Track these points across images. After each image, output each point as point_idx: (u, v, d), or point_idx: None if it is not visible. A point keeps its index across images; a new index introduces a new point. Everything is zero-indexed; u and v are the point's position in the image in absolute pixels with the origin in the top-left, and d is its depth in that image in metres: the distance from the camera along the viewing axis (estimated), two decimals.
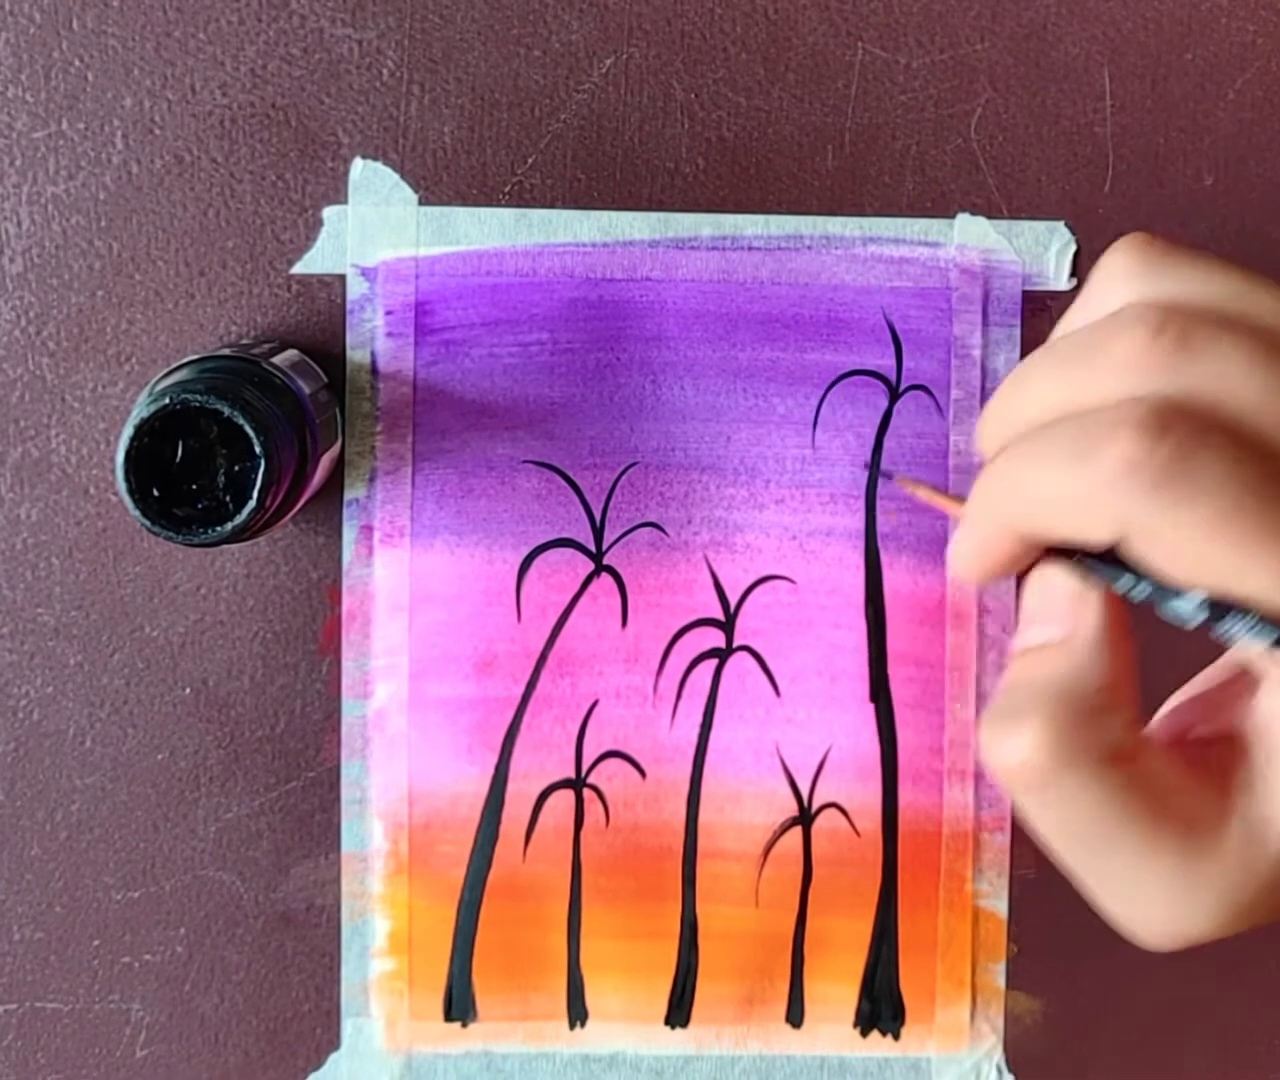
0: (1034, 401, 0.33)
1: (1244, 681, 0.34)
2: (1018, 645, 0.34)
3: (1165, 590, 0.31)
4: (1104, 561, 0.32)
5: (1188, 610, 0.31)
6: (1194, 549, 0.30)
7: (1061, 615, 0.33)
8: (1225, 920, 0.32)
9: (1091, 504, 0.31)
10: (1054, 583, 0.33)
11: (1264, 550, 0.30)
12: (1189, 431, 0.30)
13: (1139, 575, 0.31)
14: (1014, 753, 0.32)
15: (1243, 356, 0.31)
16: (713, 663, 0.51)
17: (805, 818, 0.51)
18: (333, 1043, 0.51)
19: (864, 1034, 0.51)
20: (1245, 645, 0.31)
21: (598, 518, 0.50)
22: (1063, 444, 0.31)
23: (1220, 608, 0.30)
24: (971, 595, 0.51)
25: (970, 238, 0.50)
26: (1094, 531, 0.31)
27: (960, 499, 0.37)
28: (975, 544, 0.34)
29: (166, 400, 0.41)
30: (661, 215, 0.50)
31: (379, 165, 0.49)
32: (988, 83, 0.50)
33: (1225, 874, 0.32)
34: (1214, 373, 0.31)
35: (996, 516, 0.33)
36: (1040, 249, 0.50)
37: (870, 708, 0.51)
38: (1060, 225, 0.50)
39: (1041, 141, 0.50)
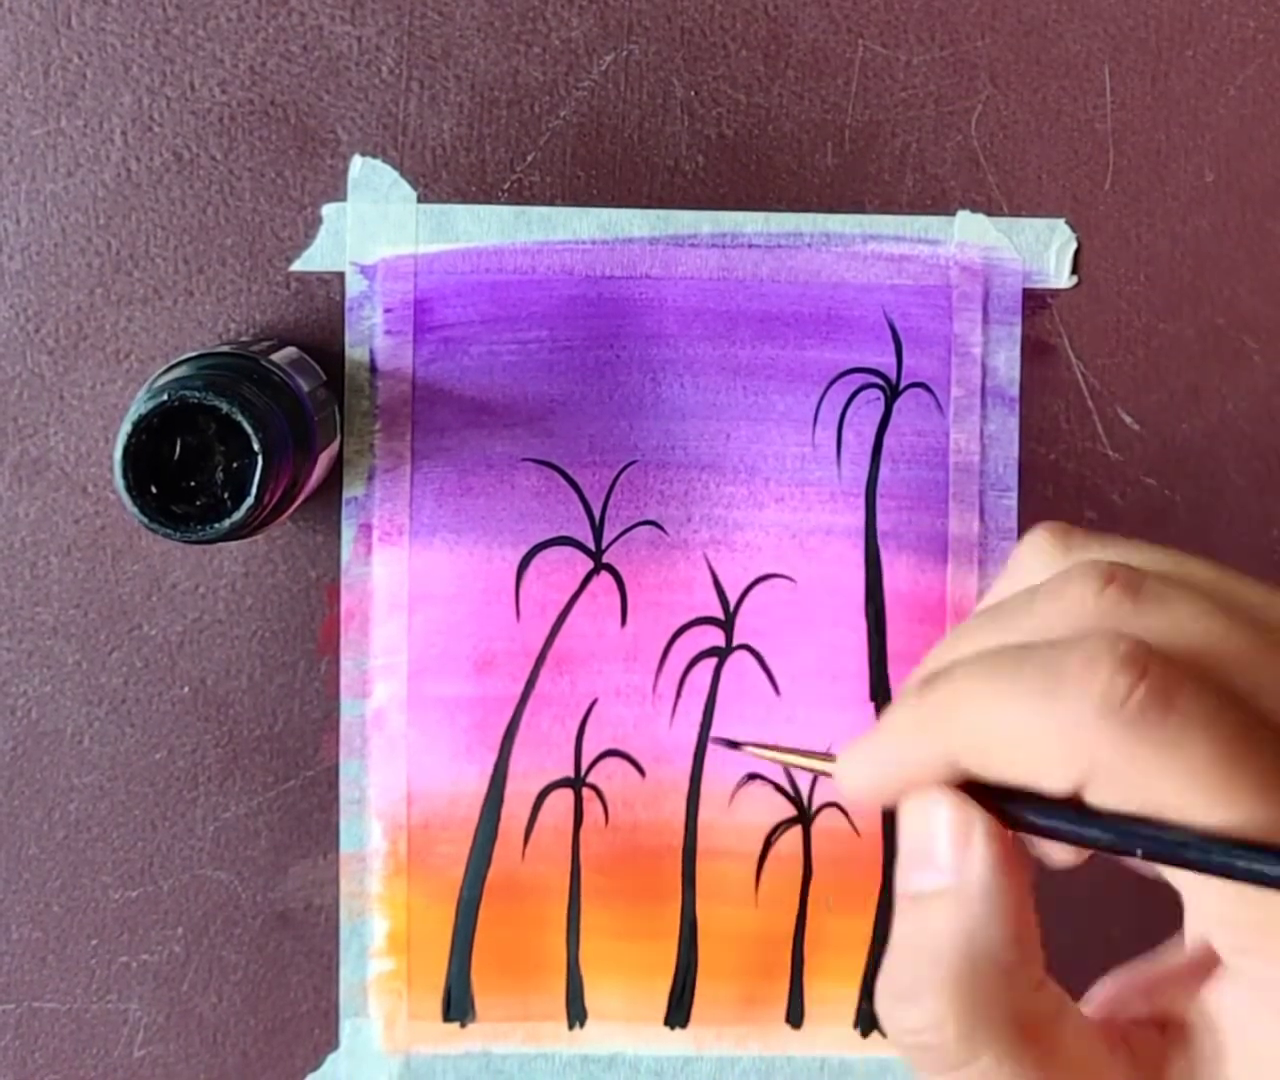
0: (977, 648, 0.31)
1: (1196, 969, 0.31)
2: (901, 889, 0.31)
3: (1123, 834, 0.28)
4: (1024, 798, 0.29)
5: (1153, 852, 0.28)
6: (1168, 791, 0.28)
7: (944, 856, 0.30)
8: None
9: (1060, 743, 0.28)
10: (934, 815, 0.30)
11: (1248, 793, 0.28)
12: (1168, 671, 0.28)
13: (1080, 816, 0.29)
14: (916, 1028, 0.29)
15: (1191, 605, 0.30)
16: (712, 661, 0.50)
17: (805, 817, 0.51)
18: (331, 1043, 0.51)
19: (864, 1034, 0.51)
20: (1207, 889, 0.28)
21: (597, 516, 0.50)
22: (1028, 676, 0.29)
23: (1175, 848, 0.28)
24: (972, 593, 0.50)
25: (971, 235, 0.50)
26: (1058, 772, 0.29)
27: (805, 753, 0.35)
28: (891, 768, 0.31)
29: (165, 397, 0.41)
30: (661, 212, 0.49)
31: (378, 162, 0.49)
32: (988, 79, 0.50)
33: None
34: (1167, 621, 0.29)
35: (934, 743, 0.30)
36: (1041, 246, 0.50)
37: (870, 707, 0.50)
38: (1061, 222, 0.50)
39: (1042, 138, 0.50)
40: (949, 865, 0.30)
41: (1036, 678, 0.28)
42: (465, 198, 0.49)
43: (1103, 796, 0.28)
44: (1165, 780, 0.28)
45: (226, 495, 0.42)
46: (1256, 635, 0.29)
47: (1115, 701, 0.28)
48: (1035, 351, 0.50)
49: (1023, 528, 0.50)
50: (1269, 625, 0.30)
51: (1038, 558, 0.32)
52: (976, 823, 0.30)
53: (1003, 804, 0.30)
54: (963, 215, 0.50)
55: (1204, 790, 0.27)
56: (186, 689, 0.50)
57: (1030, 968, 0.30)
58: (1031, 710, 0.28)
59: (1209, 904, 0.29)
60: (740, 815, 0.51)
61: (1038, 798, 0.29)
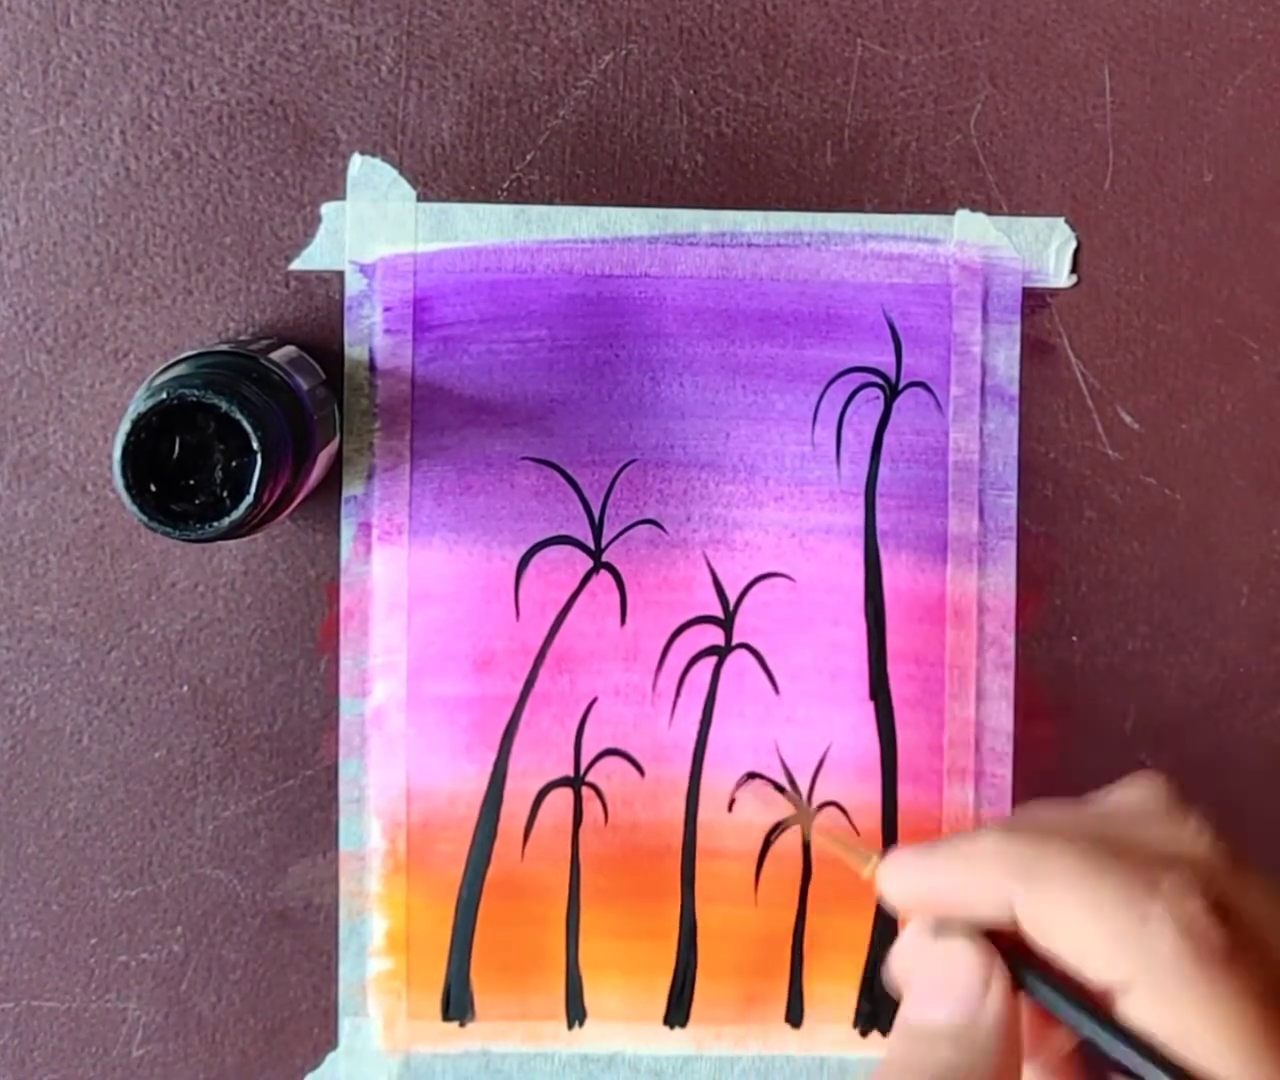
0: None
1: None
2: (906, 1016, 0.33)
3: (1122, 1046, 0.30)
4: (1039, 970, 0.32)
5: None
6: (1207, 1032, 0.30)
7: (961, 996, 0.32)
8: None
9: (1128, 946, 0.31)
10: (959, 955, 0.33)
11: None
12: (1242, 928, 0.31)
13: (1090, 1011, 0.31)
14: None
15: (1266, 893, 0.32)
16: (712, 660, 0.50)
17: (805, 816, 0.51)
18: (330, 1042, 0.51)
19: (864, 1034, 0.51)
20: None
21: (596, 515, 0.50)
22: (1124, 874, 0.31)
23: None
24: (972, 592, 0.50)
25: (970, 234, 0.50)
26: (1109, 968, 0.31)
27: (854, 848, 0.38)
28: (943, 890, 0.34)
29: (164, 396, 0.41)
30: (660, 212, 0.49)
31: (377, 161, 0.49)
32: (987, 79, 0.50)
33: None
34: (1249, 893, 0.32)
35: (1001, 889, 0.33)
36: (1040, 245, 0.50)
37: (869, 706, 0.50)
38: (1060, 222, 0.50)
39: (1041, 138, 0.50)
40: (963, 1006, 0.32)
41: (1131, 882, 0.31)
42: (464, 197, 0.49)
43: (1134, 1006, 0.30)
44: (1208, 1021, 0.30)
45: (226, 494, 0.42)
46: None
47: (1198, 933, 0.30)
48: (1035, 351, 0.50)
49: (1022, 527, 0.50)
50: None
51: (1143, 792, 0.35)
52: (998, 976, 0.32)
53: (1017, 967, 0.32)
54: (962, 214, 0.50)
55: (1245, 1049, 0.30)
56: (186, 688, 0.50)
57: None
58: (1117, 908, 0.31)
59: None
60: (740, 814, 0.51)
61: (1054, 975, 0.31)
